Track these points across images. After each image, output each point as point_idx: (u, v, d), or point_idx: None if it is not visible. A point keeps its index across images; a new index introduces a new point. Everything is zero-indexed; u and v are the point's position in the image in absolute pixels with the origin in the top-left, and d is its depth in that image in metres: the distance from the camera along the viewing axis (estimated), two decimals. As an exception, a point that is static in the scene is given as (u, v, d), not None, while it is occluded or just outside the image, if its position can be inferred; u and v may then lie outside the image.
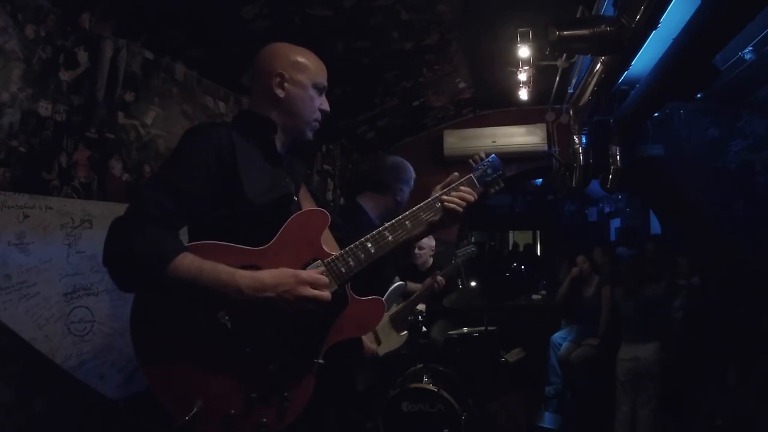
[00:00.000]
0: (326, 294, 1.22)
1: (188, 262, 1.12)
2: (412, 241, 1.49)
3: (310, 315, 1.22)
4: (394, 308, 2.92)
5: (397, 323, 2.90)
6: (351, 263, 1.30)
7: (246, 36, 2.70)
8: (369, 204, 2.26)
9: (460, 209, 1.43)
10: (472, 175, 1.52)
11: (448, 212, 1.43)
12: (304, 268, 1.26)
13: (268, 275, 1.17)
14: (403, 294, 2.93)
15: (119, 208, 2.37)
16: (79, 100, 2.20)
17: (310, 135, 1.45)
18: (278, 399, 1.23)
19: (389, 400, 3.03)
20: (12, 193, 1.90)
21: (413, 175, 2.36)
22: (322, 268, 1.27)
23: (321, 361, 1.29)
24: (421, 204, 1.44)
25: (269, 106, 1.39)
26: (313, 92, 1.41)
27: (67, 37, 2.14)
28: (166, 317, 1.18)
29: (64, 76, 2.13)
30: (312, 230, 1.31)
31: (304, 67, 1.40)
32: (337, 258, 1.30)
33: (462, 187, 1.47)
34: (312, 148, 4.26)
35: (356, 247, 1.32)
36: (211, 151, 1.24)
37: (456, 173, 1.51)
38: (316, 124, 1.45)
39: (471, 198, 1.45)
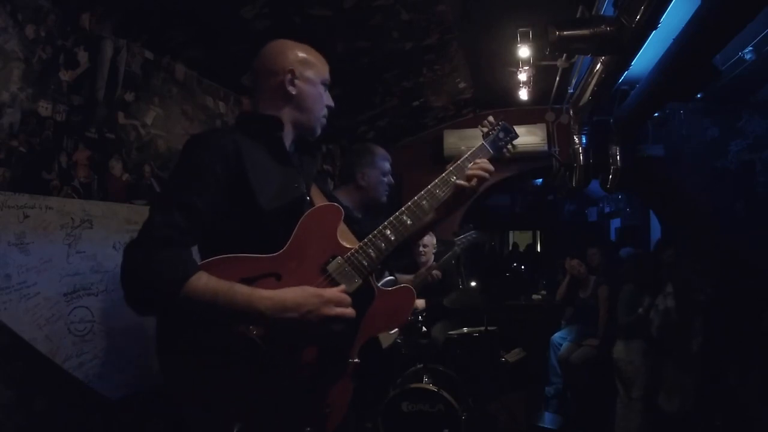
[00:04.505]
0: (351, 311, 1.18)
1: (202, 285, 1.07)
2: (431, 225, 1.45)
3: (335, 333, 1.18)
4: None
5: None
6: (372, 254, 1.26)
7: (246, 36, 2.70)
8: (341, 196, 2.17)
9: (478, 180, 1.39)
10: (483, 141, 1.47)
11: (468, 181, 1.39)
12: (323, 267, 1.22)
13: (290, 295, 1.12)
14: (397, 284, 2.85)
15: (119, 208, 2.39)
16: (79, 100, 2.20)
17: (318, 131, 1.43)
18: (318, 406, 1.20)
19: (389, 400, 3.03)
20: (12, 193, 1.90)
21: (379, 155, 2.23)
22: (344, 264, 1.23)
23: (356, 360, 1.25)
24: (436, 181, 1.39)
25: (279, 104, 1.36)
26: (321, 88, 1.40)
27: (67, 37, 2.14)
28: (192, 337, 1.13)
29: (64, 76, 2.13)
30: (326, 226, 1.26)
31: (311, 64, 1.39)
32: (356, 251, 1.25)
33: (478, 160, 1.43)
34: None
35: (375, 236, 1.27)
36: (217, 160, 1.19)
37: (463, 148, 1.47)
38: (324, 120, 1.43)
39: (489, 166, 1.42)
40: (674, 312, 3.47)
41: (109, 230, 2.31)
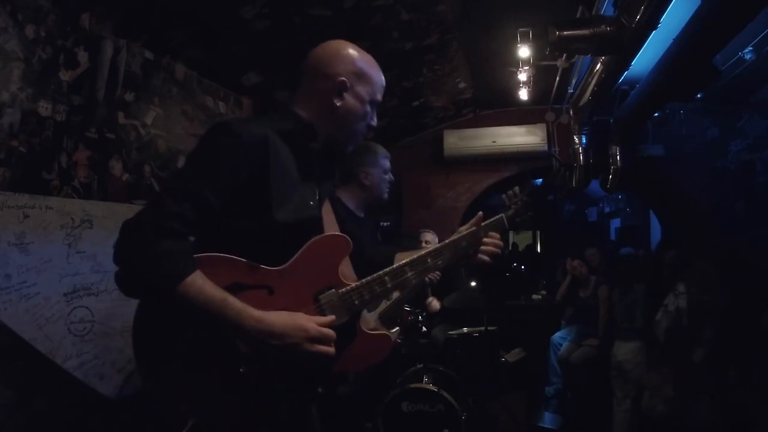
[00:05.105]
0: (331, 350, 1.17)
1: (197, 288, 1.05)
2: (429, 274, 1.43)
3: (311, 367, 1.19)
4: (383, 305, 2.84)
5: (386, 320, 2.79)
6: (366, 297, 1.26)
7: (246, 36, 2.70)
8: (345, 195, 2.18)
9: (490, 259, 1.37)
10: (503, 215, 1.43)
11: (478, 253, 1.37)
12: (317, 296, 1.22)
13: (278, 323, 1.11)
14: None
15: (119, 208, 2.39)
16: (79, 100, 2.20)
17: (351, 148, 1.37)
18: (279, 425, 1.20)
19: (389, 400, 3.03)
20: (12, 193, 1.90)
21: (381, 155, 2.22)
22: (336, 299, 1.23)
23: (320, 389, 1.27)
24: (446, 242, 1.37)
25: (318, 110, 1.28)
26: (368, 107, 1.32)
27: (67, 37, 2.14)
28: (171, 328, 1.13)
29: (64, 76, 2.14)
30: (332, 256, 1.24)
31: (367, 80, 1.30)
32: (352, 289, 1.25)
33: (492, 233, 1.39)
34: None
35: (374, 280, 1.27)
36: (241, 157, 1.13)
37: (481, 213, 1.41)
38: (362, 138, 1.36)
39: (501, 243, 1.38)
40: (685, 314, 3.32)
41: (109, 230, 2.31)
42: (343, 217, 1.96)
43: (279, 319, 1.12)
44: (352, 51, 1.30)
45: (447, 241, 1.37)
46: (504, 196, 1.48)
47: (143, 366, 1.15)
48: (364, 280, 1.27)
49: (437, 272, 3.17)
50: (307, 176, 1.27)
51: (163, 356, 1.14)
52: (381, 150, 2.24)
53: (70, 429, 2.11)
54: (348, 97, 1.27)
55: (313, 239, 1.22)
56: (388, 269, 1.29)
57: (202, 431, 1.16)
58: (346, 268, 1.32)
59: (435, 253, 1.34)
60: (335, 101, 1.26)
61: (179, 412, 1.15)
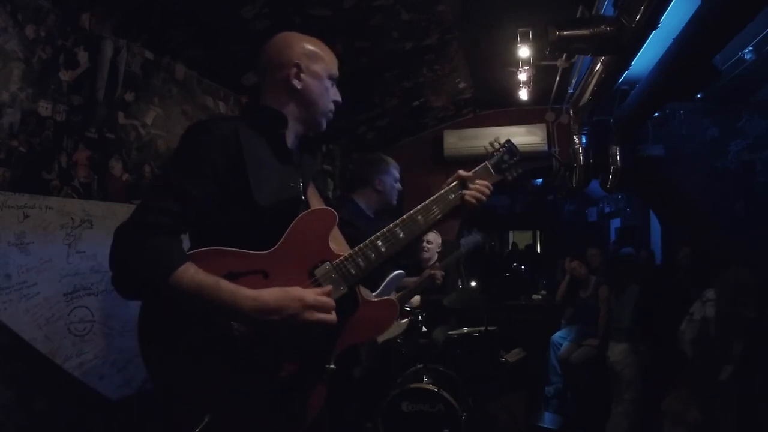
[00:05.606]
0: (332, 317, 1.17)
1: (189, 277, 1.07)
2: (423, 235, 1.45)
3: (315, 335, 1.19)
4: (392, 297, 2.88)
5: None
6: (361, 264, 1.25)
7: (246, 36, 2.70)
8: (360, 199, 2.43)
9: (477, 203, 1.38)
10: (487, 162, 1.46)
11: (464, 206, 1.39)
12: (312, 271, 1.22)
13: (272, 297, 1.12)
14: (400, 283, 2.92)
15: (119, 208, 2.39)
16: (79, 100, 2.20)
17: (324, 125, 1.41)
18: (290, 408, 1.20)
19: (389, 400, 3.03)
20: (12, 193, 1.90)
21: (392, 165, 2.50)
22: (332, 270, 1.23)
23: (332, 366, 1.25)
24: (434, 196, 1.38)
25: (284, 98, 1.34)
26: (327, 83, 1.38)
27: (67, 37, 2.14)
28: (174, 324, 1.14)
29: (64, 76, 2.13)
30: (319, 230, 1.25)
31: (319, 57, 1.37)
32: (346, 259, 1.25)
33: (478, 180, 1.41)
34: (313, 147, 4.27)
35: (366, 246, 1.27)
36: (216, 148, 1.19)
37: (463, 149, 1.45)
38: (331, 114, 1.41)
39: (487, 191, 1.40)
40: (713, 324, 3.02)
41: (109, 230, 2.28)
42: (355, 216, 2.24)
43: (273, 293, 1.13)
44: (298, 37, 1.38)
45: (434, 196, 1.38)
46: (484, 146, 1.51)
47: (151, 367, 1.16)
48: (356, 248, 1.27)
49: (441, 273, 3.24)
50: (285, 161, 1.32)
51: (168, 355, 1.15)
52: (392, 162, 2.54)
53: (70, 429, 2.11)
54: (305, 77, 1.34)
55: (297, 218, 1.24)
56: (378, 233, 1.29)
57: (216, 428, 1.14)
58: (339, 244, 1.33)
59: (424, 210, 1.36)
60: (295, 84, 1.33)
61: (189, 411, 1.15)
